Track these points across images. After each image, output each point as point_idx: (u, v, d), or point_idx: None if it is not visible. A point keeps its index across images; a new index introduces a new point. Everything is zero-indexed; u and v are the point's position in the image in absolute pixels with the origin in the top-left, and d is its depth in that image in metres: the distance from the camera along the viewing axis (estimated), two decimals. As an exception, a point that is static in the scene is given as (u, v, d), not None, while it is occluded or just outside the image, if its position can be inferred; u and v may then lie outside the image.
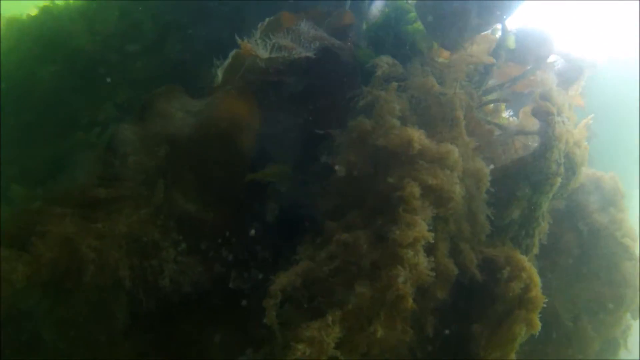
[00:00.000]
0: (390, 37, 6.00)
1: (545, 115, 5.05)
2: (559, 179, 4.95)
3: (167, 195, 4.69)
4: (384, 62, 5.15)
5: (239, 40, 4.86)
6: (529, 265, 4.53)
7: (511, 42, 6.12)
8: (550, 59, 6.80)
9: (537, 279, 4.49)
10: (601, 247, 6.45)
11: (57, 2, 7.52)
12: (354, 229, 4.23)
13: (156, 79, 6.59)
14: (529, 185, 4.88)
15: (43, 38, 7.22)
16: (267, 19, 5.40)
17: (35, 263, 4.25)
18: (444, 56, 6.18)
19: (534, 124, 5.66)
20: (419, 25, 6.06)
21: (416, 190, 4.15)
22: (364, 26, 6.47)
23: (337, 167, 4.61)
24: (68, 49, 7.10)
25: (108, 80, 6.80)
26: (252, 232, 5.00)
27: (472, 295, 4.52)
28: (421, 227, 4.03)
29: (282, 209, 5.21)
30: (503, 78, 6.58)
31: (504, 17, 5.97)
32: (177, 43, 7.00)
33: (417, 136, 4.34)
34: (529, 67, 6.88)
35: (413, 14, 6.18)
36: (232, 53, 5.06)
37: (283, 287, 4.04)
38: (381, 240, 4.11)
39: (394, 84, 4.85)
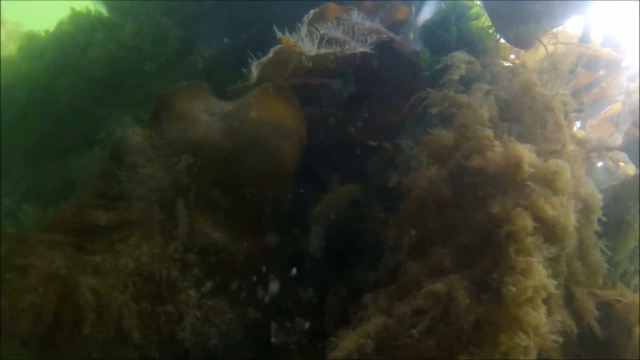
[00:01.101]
0: (452, 34, 4.89)
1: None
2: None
3: (188, 219, 3.51)
4: (460, 60, 4.02)
5: (279, 35, 3.71)
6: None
7: (596, 38, 5.05)
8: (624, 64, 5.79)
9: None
10: None
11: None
12: (444, 274, 3.06)
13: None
14: (640, 209, 3.77)
15: (61, 50, 6.38)
16: (311, 11, 4.27)
17: (12, 309, 3.07)
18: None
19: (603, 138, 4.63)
20: (484, 21, 4.99)
21: (529, 223, 2.99)
22: (418, 24, 5.36)
23: (415, 192, 3.46)
24: (85, 62, 6.31)
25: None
26: (294, 270, 3.82)
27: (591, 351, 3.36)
28: (540, 274, 2.87)
29: (330, 237, 4.05)
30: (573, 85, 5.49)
31: (585, 10, 4.93)
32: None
33: (528, 155, 3.19)
34: (600, 73, 5.84)
35: (475, 9, 5.11)
36: (275, 48, 3.92)
37: (349, 353, 2.86)
38: (482, 289, 2.95)
39: (483, 86, 3.71)
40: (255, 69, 3.89)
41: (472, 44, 4.81)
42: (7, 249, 3.29)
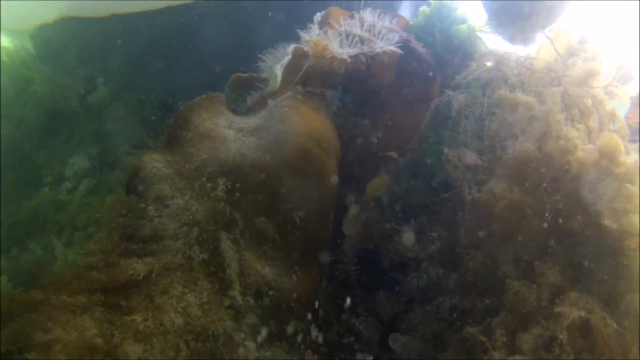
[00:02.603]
0: (437, 38, 4.52)
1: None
2: None
3: (236, 256, 2.80)
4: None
5: (305, 37, 3.14)
6: None
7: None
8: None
9: None
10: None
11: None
12: (561, 293, 2.63)
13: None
14: None
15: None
16: (318, 14, 3.74)
17: (41, 402, 2.21)
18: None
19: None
20: (471, 24, 4.68)
21: None
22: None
23: (500, 205, 2.99)
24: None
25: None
26: (348, 301, 3.22)
27: None
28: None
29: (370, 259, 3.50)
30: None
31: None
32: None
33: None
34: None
35: (459, 12, 4.79)
36: (291, 49, 3.31)
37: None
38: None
39: (553, 88, 3.33)
40: (279, 72, 3.25)
41: (461, 46, 4.48)
42: (20, 320, 2.41)
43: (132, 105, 5.84)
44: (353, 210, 3.55)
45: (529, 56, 3.93)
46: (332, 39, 3.24)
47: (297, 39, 4.02)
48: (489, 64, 3.83)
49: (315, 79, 3.41)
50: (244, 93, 3.89)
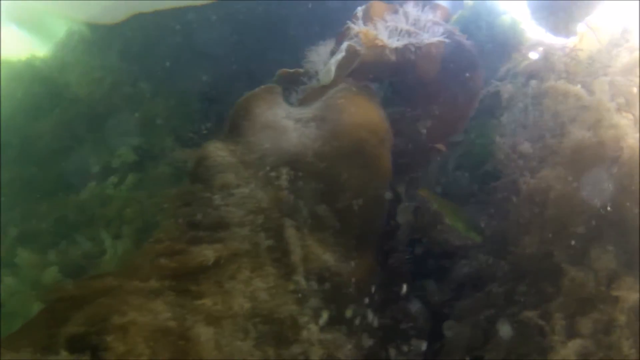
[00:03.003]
0: (482, 30, 4.55)
1: None
2: None
3: (300, 243, 2.85)
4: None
5: (355, 28, 3.18)
6: None
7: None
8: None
9: None
10: None
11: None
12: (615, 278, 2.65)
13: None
14: None
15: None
16: (359, 8, 3.79)
17: (122, 381, 2.28)
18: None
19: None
20: (514, 16, 4.69)
21: None
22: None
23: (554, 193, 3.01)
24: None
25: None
26: (404, 287, 3.26)
27: None
28: None
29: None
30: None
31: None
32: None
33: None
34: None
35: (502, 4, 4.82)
36: (345, 46, 3.37)
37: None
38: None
39: (602, 79, 3.34)
40: (333, 67, 3.31)
41: (504, 38, 4.50)
42: (96, 304, 2.48)
43: (174, 99, 5.92)
44: (404, 200, 3.60)
45: (575, 47, 3.94)
46: (380, 30, 3.28)
47: (327, 37, 4.11)
48: (531, 54, 3.84)
49: (360, 72, 3.45)
50: (290, 88, 3.97)
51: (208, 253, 2.59)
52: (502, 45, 4.46)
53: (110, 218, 5.48)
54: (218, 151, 2.90)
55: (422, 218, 3.58)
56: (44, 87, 6.36)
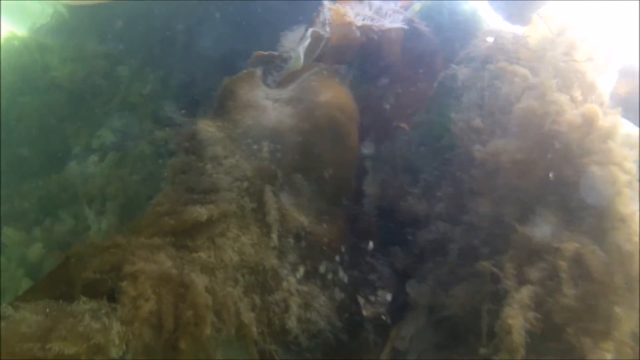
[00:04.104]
0: (444, 17, 5.25)
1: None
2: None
3: (276, 206, 3.52)
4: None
5: (327, 5, 3.83)
6: None
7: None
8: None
9: None
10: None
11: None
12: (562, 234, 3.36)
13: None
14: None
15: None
16: (327, -2, 4.45)
17: (134, 317, 2.93)
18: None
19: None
20: (473, 4, 5.39)
21: (624, 177, 3.37)
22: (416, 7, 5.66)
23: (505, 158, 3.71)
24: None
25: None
26: (370, 244, 3.95)
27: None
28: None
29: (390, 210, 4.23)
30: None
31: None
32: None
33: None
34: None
35: (464, -7, 5.50)
36: (310, 32, 4.02)
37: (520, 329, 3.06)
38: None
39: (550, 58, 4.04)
40: (301, 53, 3.96)
41: (465, 25, 5.19)
42: (107, 254, 3.12)
43: (153, 81, 6.49)
44: (371, 171, 4.27)
45: (524, 34, 4.66)
46: (348, 11, 3.94)
47: (300, 22, 4.76)
48: (488, 40, 4.53)
49: (330, 56, 4.12)
50: (266, 70, 4.61)
51: (202, 211, 3.22)
52: (462, 32, 5.13)
53: (93, 195, 5.93)
54: (208, 127, 3.53)
55: (388, 189, 4.25)
56: (23, 68, 6.82)
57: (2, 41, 6.82)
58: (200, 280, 3.08)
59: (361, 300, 3.68)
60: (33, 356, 2.56)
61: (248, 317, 3.15)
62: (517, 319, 2.94)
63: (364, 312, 3.61)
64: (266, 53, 4.69)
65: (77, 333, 2.64)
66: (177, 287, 3.05)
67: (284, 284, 3.39)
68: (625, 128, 3.73)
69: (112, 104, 6.20)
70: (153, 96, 6.46)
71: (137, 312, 2.89)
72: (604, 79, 4.29)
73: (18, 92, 6.50)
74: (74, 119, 6.28)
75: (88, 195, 5.98)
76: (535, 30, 4.79)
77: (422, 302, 4.00)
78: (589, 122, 3.41)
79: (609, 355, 2.85)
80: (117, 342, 2.76)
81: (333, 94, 3.75)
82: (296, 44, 4.42)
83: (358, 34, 3.91)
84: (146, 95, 6.40)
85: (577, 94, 4.00)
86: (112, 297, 2.92)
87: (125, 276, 2.96)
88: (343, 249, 3.77)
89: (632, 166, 3.32)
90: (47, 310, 2.77)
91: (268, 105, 3.70)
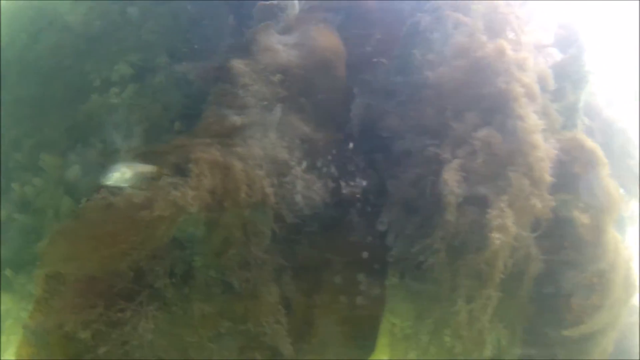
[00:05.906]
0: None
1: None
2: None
3: (287, 118, 5.65)
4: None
5: None
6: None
7: None
8: None
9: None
10: None
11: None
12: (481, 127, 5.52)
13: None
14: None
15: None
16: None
17: (199, 187, 5.06)
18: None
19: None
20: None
21: (521, 90, 5.54)
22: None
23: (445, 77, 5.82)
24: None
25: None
26: (351, 145, 6.10)
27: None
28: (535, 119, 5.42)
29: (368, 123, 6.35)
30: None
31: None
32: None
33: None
34: None
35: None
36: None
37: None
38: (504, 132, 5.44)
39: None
40: (297, 5, 6.04)
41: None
42: (179, 149, 5.24)
43: (164, 19, 7.33)
44: (357, 97, 6.39)
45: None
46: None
47: None
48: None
49: (322, 6, 6.20)
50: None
51: (237, 119, 5.35)
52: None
53: (118, 123, 6.74)
54: (238, 64, 5.63)
55: (371, 111, 6.37)
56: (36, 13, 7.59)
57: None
58: (237, 165, 5.18)
59: (342, 184, 5.85)
60: (143, 218, 4.63)
61: (269, 190, 5.28)
62: (451, 174, 5.10)
63: (343, 192, 5.77)
64: (267, 3, 6.73)
65: (169, 200, 4.71)
66: (223, 168, 5.15)
67: (293, 171, 5.52)
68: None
69: (127, 42, 7.28)
70: (166, 33, 7.27)
71: (200, 182, 5.00)
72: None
73: (35, 35, 7.54)
74: (90, 58, 7.26)
75: (114, 123, 6.77)
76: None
77: (397, 195, 6.12)
78: (501, 52, 5.55)
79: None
80: (191, 203, 4.86)
81: (326, 40, 5.82)
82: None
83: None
84: (158, 31, 7.30)
85: (511, 36, 6.14)
86: (184, 173, 5.01)
87: (191, 160, 5.06)
88: (334, 151, 5.91)
89: (529, 81, 5.48)
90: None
91: (280, 49, 5.75)
